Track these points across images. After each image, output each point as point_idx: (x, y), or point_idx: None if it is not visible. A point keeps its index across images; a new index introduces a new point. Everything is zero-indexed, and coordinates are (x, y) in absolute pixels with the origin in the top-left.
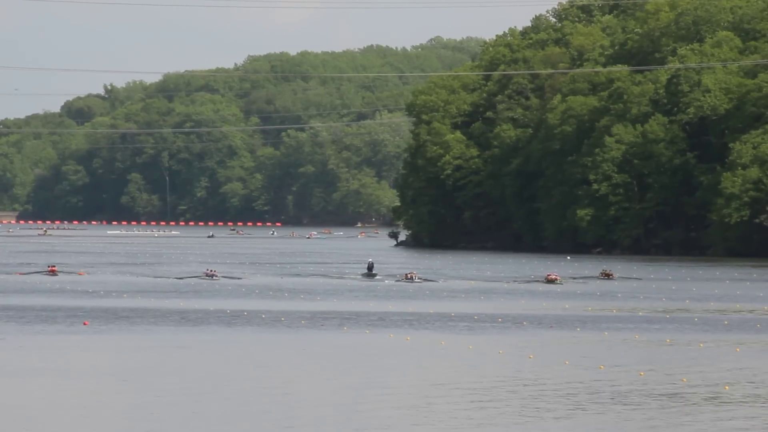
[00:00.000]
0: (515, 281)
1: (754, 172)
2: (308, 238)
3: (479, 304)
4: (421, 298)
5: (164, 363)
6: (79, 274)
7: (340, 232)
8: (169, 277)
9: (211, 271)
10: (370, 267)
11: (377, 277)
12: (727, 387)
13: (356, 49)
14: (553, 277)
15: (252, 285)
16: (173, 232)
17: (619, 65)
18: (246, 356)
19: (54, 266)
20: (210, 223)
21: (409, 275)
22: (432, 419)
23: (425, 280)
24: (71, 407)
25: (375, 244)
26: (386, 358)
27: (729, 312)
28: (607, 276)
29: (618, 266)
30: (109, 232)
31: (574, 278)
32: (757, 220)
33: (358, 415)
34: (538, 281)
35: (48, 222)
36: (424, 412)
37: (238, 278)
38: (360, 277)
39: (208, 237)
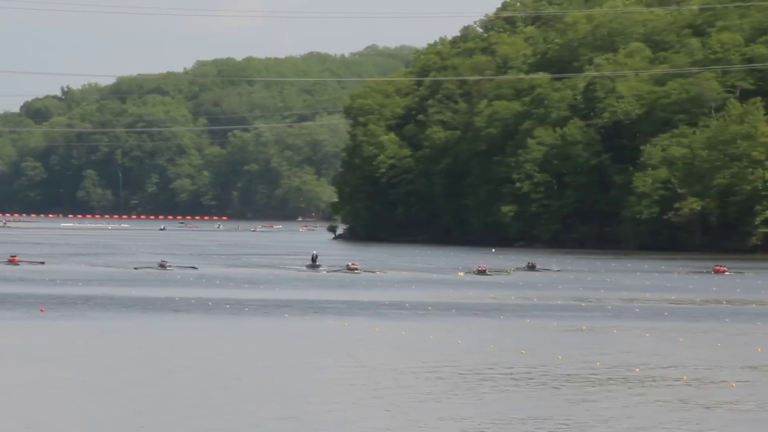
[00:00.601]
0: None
1: (662, 173)
2: (253, 231)
3: (412, 293)
4: (360, 287)
5: (119, 347)
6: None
7: (281, 226)
8: (124, 267)
9: (164, 261)
10: (314, 258)
11: (320, 268)
12: (637, 369)
13: (298, 56)
14: (483, 268)
15: (201, 275)
16: (124, 225)
17: (541, 73)
18: (190, 341)
19: (15, 256)
20: (160, 217)
21: (351, 266)
22: (365, 398)
23: (366, 270)
24: (27, 390)
25: (315, 237)
26: (323, 343)
27: (640, 300)
28: (531, 268)
29: (539, 258)
30: (62, 224)
31: (519, 269)
32: (665, 217)
33: (294, 397)
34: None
35: (7, 215)
36: (358, 392)
37: (192, 268)
38: (305, 268)
39: (161, 230)
